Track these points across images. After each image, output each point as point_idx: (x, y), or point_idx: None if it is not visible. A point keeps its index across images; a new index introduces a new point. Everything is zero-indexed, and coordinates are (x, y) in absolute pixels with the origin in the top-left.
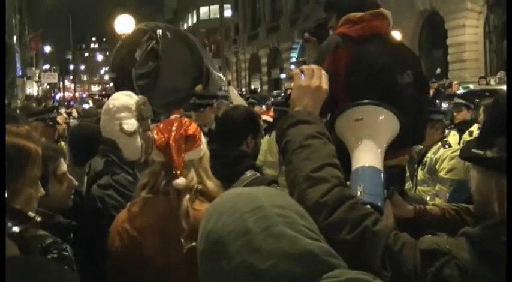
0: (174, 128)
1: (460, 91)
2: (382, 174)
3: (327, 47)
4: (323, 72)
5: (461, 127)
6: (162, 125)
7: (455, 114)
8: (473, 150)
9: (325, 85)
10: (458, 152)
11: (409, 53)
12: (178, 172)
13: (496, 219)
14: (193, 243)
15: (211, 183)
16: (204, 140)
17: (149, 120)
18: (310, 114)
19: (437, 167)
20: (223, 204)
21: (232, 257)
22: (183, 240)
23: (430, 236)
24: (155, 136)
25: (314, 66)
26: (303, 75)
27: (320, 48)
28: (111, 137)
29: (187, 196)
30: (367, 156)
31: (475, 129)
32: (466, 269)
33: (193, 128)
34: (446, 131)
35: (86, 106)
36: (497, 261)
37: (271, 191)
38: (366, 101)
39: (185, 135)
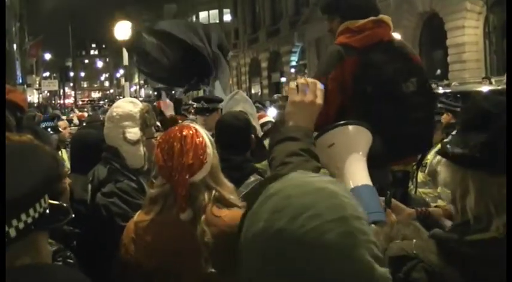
0: (176, 155)
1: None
2: (374, 188)
3: (330, 58)
4: (318, 86)
5: (447, 131)
6: (162, 145)
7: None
8: (445, 146)
9: (319, 100)
10: None
11: (412, 60)
12: (183, 206)
13: (462, 219)
14: (212, 270)
15: (225, 190)
16: (210, 149)
17: (153, 128)
18: (299, 130)
19: (438, 169)
20: (300, 200)
21: (308, 263)
22: (202, 263)
23: (398, 241)
24: (158, 156)
25: (310, 80)
26: (297, 90)
27: (322, 60)
28: (114, 145)
29: (202, 217)
30: (355, 176)
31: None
32: (434, 271)
33: (196, 148)
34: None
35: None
36: (463, 261)
37: (347, 192)
38: (329, 125)
39: (187, 164)
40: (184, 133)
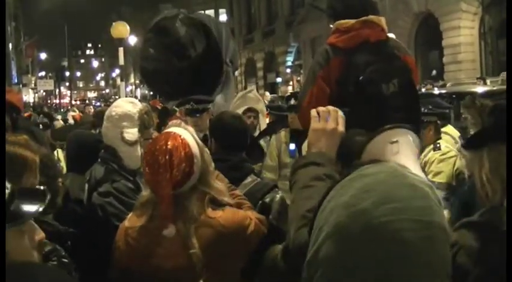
0: (161, 170)
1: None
2: None
3: (318, 60)
4: (340, 113)
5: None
6: (148, 158)
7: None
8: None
9: (341, 127)
10: (447, 155)
11: (399, 60)
12: (166, 222)
13: (491, 203)
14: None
15: (215, 191)
16: (197, 158)
17: (151, 129)
18: (322, 156)
19: (426, 170)
20: (391, 189)
21: (376, 251)
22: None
23: None
24: (144, 169)
25: (331, 108)
26: (319, 117)
27: (313, 61)
28: (112, 145)
29: (192, 227)
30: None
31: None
32: (476, 254)
33: (183, 162)
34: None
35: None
36: (503, 239)
37: (438, 199)
38: (393, 125)
39: (175, 180)
40: (169, 146)
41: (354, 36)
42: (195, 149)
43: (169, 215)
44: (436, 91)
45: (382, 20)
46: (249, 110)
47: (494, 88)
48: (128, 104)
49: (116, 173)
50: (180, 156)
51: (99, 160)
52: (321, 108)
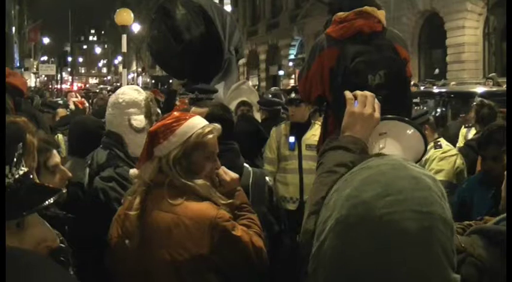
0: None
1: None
2: None
3: (314, 49)
4: (376, 100)
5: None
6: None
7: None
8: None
9: (377, 113)
10: (448, 153)
11: (388, 52)
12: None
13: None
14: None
15: (193, 182)
16: (186, 135)
17: (153, 117)
18: (355, 143)
19: (426, 167)
20: (393, 181)
21: (377, 242)
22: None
23: None
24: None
25: (368, 93)
26: (356, 101)
27: (310, 50)
28: (118, 132)
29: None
30: None
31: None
32: (484, 265)
33: (177, 121)
34: (465, 130)
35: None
36: None
37: (442, 192)
38: (391, 116)
39: (151, 131)
40: (181, 114)
41: (346, 26)
42: (189, 128)
43: (147, 157)
44: (436, 90)
45: (378, 12)
46: (243, 103)
47: (494, 89)
48: (134, 91)
49: (119, 159)
50: (174, 120)
51: (101, 145)
52: (358, 92)
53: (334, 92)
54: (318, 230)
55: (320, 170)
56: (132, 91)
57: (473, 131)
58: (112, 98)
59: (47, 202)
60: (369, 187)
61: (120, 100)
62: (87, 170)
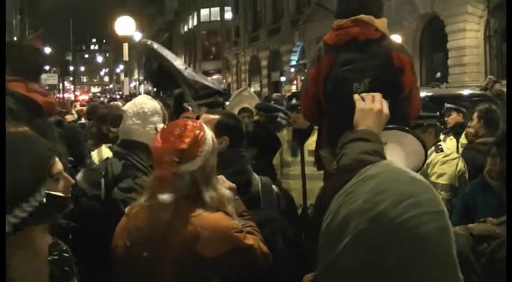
0: (172, 138)
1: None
2: None
3: (312, 56)
4: (383, 99)
5: (457, 130)
6: (164, 130)
7: (446, 119)
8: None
9: (386, 110)
10: (449, 157)
11: (379, 60)
12: (164, 187)
13: None
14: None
15: (209, 194)
16: (208, 147)
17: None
18: (371, 134)
19: (428, 171)
20: (400, 187)
21: (400, 251)
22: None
23: (476, 224)
24: (156, 138)
25: (374, 93)
26: (363, 102)
27: (310, 56)
28: (144, 141)
29: (183, 204)
30: None
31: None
32: None
33: (194, 138)
34: (442, 137)
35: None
36: None
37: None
38: (390, 125)
39: (180, 148)
40: (188, 123)
41: (341, 34)
42: (210, 138)
43: (167, 182)
44: (423, 94)
45: (377, 20)
46: (244, 109)
47: (477, 92)
48: (151, 100)
49: (135, 168)
50: (194, 133)
51: (115, 155)
52: (364, 94)
53: (326, 98)
54: (323, 247)
55: (344, 160)
56: (150, 100)
57: (451, 138)
58: (132, 108)
59: (62, 211)
60: (381, 197)
61: (145, 110)
62: (102, 180)
